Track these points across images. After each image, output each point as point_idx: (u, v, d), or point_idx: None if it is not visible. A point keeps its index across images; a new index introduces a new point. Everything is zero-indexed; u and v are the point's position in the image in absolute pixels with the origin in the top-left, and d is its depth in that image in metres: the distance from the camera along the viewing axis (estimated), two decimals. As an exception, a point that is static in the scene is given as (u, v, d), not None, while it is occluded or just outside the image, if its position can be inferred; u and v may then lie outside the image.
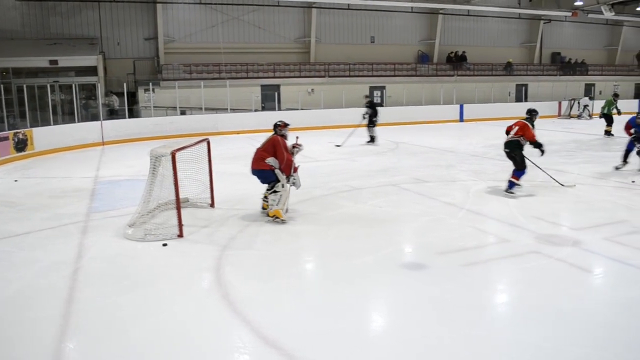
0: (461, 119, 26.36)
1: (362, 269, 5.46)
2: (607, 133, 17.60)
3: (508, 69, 30.91)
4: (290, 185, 7.30)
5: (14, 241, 6.68)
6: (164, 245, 6.26)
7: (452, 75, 29.27)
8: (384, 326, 4.37)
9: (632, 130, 10.59)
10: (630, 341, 3.86)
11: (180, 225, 6.59)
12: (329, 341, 3.92)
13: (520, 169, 8.54)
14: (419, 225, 7.15)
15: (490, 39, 31.84)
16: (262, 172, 7.24)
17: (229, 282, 5.12)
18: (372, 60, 27.90)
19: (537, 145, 8.62)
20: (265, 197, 7.46)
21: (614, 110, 17.74)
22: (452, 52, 29.98)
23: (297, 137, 7.63)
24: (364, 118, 16.21)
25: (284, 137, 7.43)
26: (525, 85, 31.21)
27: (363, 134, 16.52)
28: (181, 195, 6.82)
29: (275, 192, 7.16)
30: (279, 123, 7.50)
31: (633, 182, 9.36)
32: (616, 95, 18.59)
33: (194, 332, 4.12)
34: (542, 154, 8.71)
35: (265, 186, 7.39)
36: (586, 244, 6.04)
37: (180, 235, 6.55)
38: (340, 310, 4.48)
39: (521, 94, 30.90)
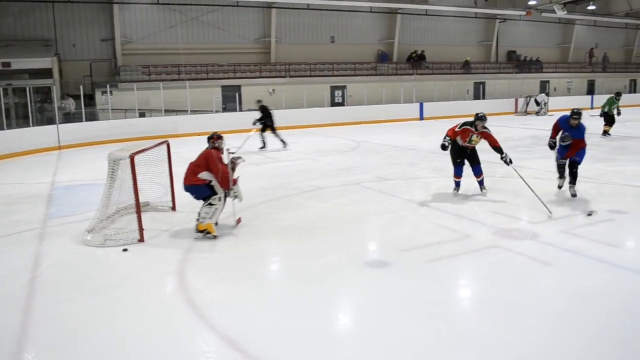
0: (421, 117, 26.71)
1: (327, 268, 5.47)
2: (605, 133, 16.44)
3: (466, 67, 31.52)
4: (233, 199, 6.93)
5: (-34, 250, 6.45)
6: (125, 250, 6.15)
7: (412, 74, 29.63)
8: (351, 325, 4.40)
9: (560, 134, 8.29)
10: (587, 331, 3.98)
11: (140, 229, 6.48)
12: (295, 342, 3.92)
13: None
14: (382, 223, 7.22)
15: (448, 38, 32.39)
16: (195, 187, 6.72)
17: (193, 285, 5.07)
18: (332, 60, 28.03)
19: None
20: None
21: (615, 110, 16.30)
22: (414, 52, 30.33)
23: (227, 149, 7.10)
24: (254, 124, 15.25)
25: (219, 149, 6.98)
26: (483, 83, 31.88)
27: (264, 139, 15.75)
28: (141, 199, 6.72)
29: (210, 204, 6.65)
30: (212, 135, 7.08)
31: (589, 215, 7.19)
32: (618, 94, 16.68)
33: (158, 337, 4.06)
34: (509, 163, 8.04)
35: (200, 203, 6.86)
36: (544, 237, 6.20)
37: (141, 240, 6.44)
38: (306, 310, 4.49)
39: (479, 92, 31.56)
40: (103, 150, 14.81)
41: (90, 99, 21.80)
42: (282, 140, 15.41)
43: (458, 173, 8.53)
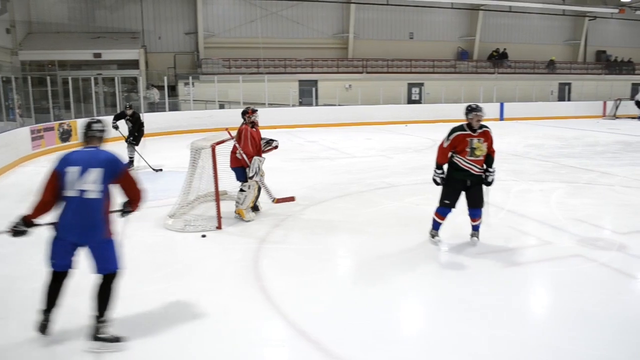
0: (501, 118, 25.91)
1: (399, 267, 5.41)
2: None
3: (551, 67, 30.23)
4: (253, 174, 6.91)
5: (58, 229, 6.86)
6: (203, 236, 6.35)
7: (493, 73, 28.78)
8: (419, 326, 4.33)
9: None
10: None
11: (219, 217, 6.67)
12: (364, 338, 3.90)
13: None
14: (456, 224, 7.04)
15: (532, 36, 31.19)
16: (235, 169, 7.06)
17: (266, 274, 5.16)
18: (410, 57, 27.67)
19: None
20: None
21: None
22: (495, 51, 29.44)
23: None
24: (116, 128, 11.02)
25: (254, 124, 7.07)
26: (569, 84, 30.47)
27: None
28: (220, 188, 6.89)
29: (241, 190, 6.97)
30: (246, 110, 7.14)
31: None
32: None
33: (231, 323, 4.16)
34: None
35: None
36: (631, 248, 5.84)
37: (219, 227, 6.63)
38: (373, 306, 4.46)
39: (564, 93, 30.21)
40: (183, 140, 15.38)
41: (173, 90, 22.67)
42: (130, 158, 11.43)
43: (443, 213, 5.99)
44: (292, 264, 5.57)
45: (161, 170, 11.04)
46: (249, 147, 6.89)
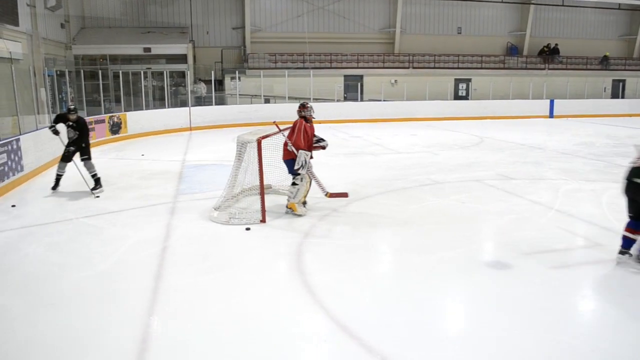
0: (551, 115, 25.22)
1: (442, 264, 5.34)
2: None
3: (604, 63, 29.20)
4: (300, 167, 6.92)
5: (107, 218, 7.08)
6: (247, 229, 6.42)
7: (543, 69, 28.02)
8: (462, 325, 4.25)
9: None
10: None
11: (263, 211, 6.73)
12: (405, 335, 3.87)
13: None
14: (503, 223, 6.90)
15: (585, 31, 30.20)
16: (287, 162, 7.12)
17: (308, 268, 5.17)
18: (458, 52, 27.23)
19: None
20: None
21: None
22: (546, 46, 28.63)
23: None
24: (54, 132, 8.73)
25: (308, 119, 7.14)
26: (623, 81, 29.37)
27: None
28: (265, 182, 6.96)
29: (294, 184, 7.03)
30: (302, 104, 7.22)
31: None
32: None
33: (273, 315, 4.19)
34: None
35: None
36: (689, 252, 5.59)
37: (263, 221, 6.69)
38: (416, 304, 4.42)
39: (617, 90, 29.13)
40: (229, 133, 15.61)
41: (219, 84, 23.00)
42: (58, 175, 8.80)
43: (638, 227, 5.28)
44: (335, 258, 5.57)
45: (98, 196, 8.36)
46: (300, 140, 6.93)
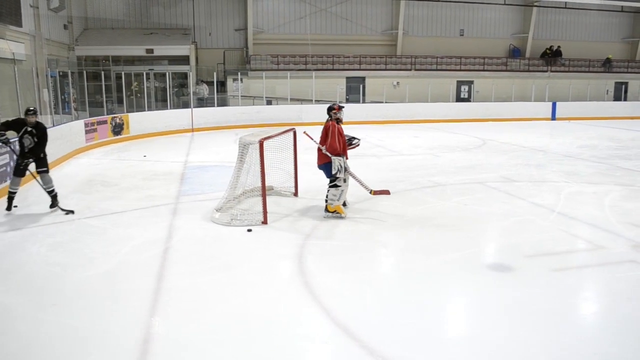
0: (553, 117, 25.20)
1: (444, 266, 5.34)
2: None
3: (607, 65, 29.18)
4: (338, 170, 6.90)
5: (110, 218, 7.09)
6: (249, 230, 6.42)
7: (545, 71, 28.01)
8: (463, 327, 4.25)
9: None
10: None
11: (265, 212, 6.73)
12: (406, 337, 3.86)
13: None
14: (506, 225, 6.90)
15: (588, 34, 30.19)
16: (324, 165, 7.04)
17: (310, 270, 5.17)
18: (460, 54, 27.24)
19: None
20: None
21: None
22: (548, 48, 28.62)
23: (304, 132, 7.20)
24: (5, 142, 7.33)
25: (339, 121, 7.13)
26: (626, 84, 29.34)
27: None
28: (266, 183, 6.96)
29: (336, 186, 6.95)
30: (332, 106, 7.18)
31: None
32: None
33: (274, 317, 4.19)
34: None
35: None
36: (692, 255, 5.59)
37: (265, 222, 6.69)
38: (418, 305, 4.41)
39: (620, 93, 29.09)
40: (231, 135, 15.61)
41: (222, 86, 23.02)
42: (11, 193, 7.53)
43: None
44: (337, 260, 5.56)
45: (72, 212, 7.30)
46: (336, 143, 6.91)
